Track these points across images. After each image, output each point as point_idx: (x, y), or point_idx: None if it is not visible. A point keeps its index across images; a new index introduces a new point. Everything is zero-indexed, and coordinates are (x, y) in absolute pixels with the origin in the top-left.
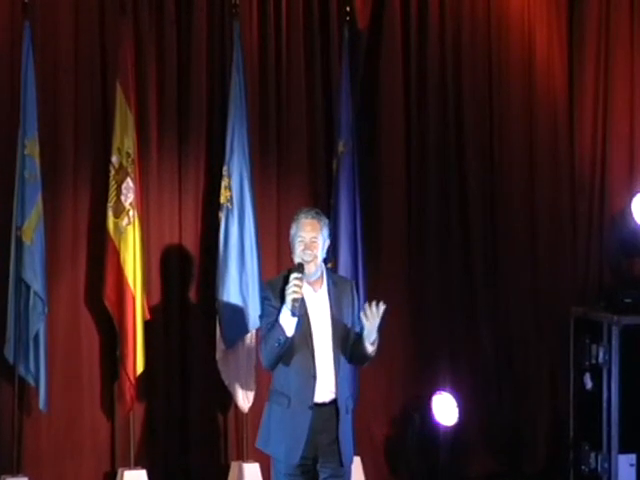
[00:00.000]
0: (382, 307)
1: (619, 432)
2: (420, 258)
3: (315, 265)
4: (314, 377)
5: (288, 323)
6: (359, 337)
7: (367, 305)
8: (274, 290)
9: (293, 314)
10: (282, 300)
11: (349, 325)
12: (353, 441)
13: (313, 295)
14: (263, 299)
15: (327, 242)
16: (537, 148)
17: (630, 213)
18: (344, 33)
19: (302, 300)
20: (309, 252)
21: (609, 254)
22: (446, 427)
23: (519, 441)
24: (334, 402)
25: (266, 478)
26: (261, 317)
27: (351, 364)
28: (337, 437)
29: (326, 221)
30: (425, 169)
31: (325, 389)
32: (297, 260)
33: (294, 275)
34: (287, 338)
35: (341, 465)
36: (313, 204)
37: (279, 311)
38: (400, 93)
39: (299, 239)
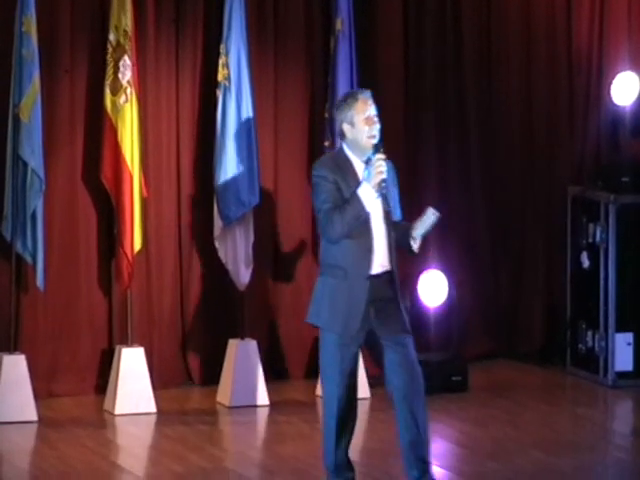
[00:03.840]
0: (434, 214)
1: (616, 311)
2: (417, 138)
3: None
4: (370, 250)
5: (370, 201)
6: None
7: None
8: (328, 167)
9: (379, 194)
10: (340, 176)
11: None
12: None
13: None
14: (318, 178)
15: None
16: (534, 23)
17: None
18: None
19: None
20: (376, 126)
21: (606, 132)
22: (434, 307)
23: (516, 320)
24: (388, 273)
25: (263, 354)
26: (318, 195)
27: None
28: (397, 304)
29: None
30: (423, 46)
31: (378, 262)
32: (362, 139)
33: (378, 156)
34: (367, 213)
35: (405, 332)
36: (310, 82)
37: (339, 188)
38: None
39: (365, 115)
